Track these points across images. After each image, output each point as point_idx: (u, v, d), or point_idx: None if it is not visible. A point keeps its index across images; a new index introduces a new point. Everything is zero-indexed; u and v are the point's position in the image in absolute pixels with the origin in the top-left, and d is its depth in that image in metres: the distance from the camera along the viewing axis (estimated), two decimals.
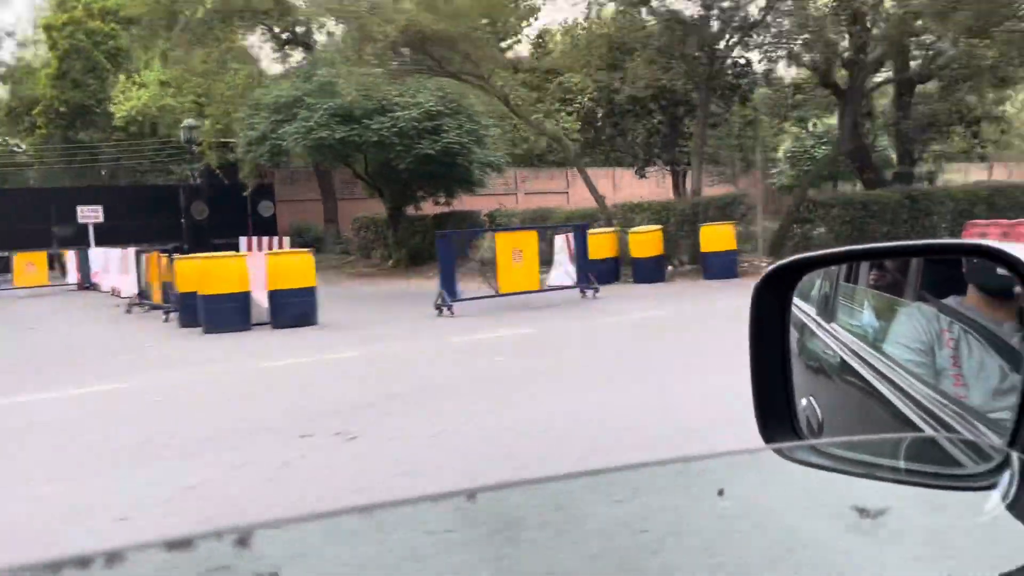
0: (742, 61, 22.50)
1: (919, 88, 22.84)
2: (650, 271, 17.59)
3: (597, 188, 20.81)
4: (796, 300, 1.56)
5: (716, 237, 17.69)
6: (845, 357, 1.68)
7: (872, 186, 22.10)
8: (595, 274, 15.75)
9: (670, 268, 18.59)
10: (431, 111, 20.98)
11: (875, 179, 22.40)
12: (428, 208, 25.37)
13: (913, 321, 1.48)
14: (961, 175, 31.53)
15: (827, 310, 1.81)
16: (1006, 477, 0.83)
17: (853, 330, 1.71)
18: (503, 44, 27.15)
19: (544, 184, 33.59)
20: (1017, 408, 0.93)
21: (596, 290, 15.22)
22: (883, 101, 25.40)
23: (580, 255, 15.78)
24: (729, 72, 21.63)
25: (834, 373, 1.73)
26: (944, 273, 1.40)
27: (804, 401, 1.53)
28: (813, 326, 1.79)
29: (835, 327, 1.77)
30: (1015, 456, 0.86)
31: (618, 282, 17.72)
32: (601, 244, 17.72)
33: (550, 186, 33.44)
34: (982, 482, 0.88)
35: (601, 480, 0.72)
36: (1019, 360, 1.11)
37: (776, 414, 1.39)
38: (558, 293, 14.97)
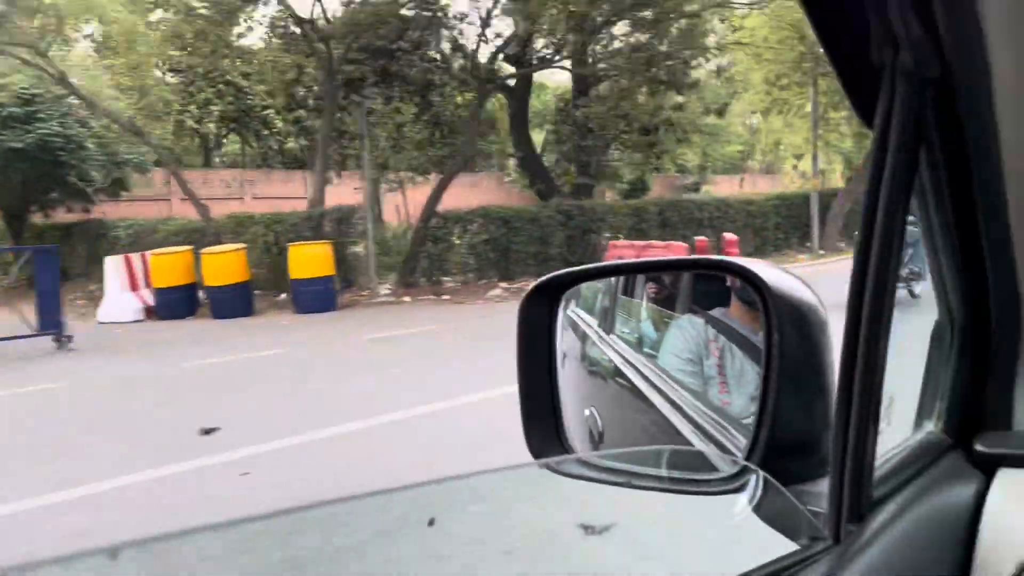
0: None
1: (595, 91, 21.21)
2: (231, 304, 14.82)
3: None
4: (580, 312, 1.74)
5: (308, 260, 15.22)
6: (622, 368, 1.75)
7: (544, 198, 20.48)
8: (161, 306, 13.28)
9: (280, 297, 16.23)
10: (24, 95, 17.86)
11: (545, 191, 20.67)
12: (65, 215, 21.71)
13: (684, 332, 1.56)
14: (717, 188, 32.38)
15: (607, 322, 1.87)
16: (752, 481, 0.93)
17: (630, 341, 1.79)
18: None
19: (279, 188, 29.12)
20: (756, 418, 1.02)
21: (69, 339, 11.78)
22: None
23: (47, 289, 11.82)
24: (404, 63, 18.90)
25: (614, 383, 1.80)
26: (716, 286, 1.47)
27: (587, 411, 1.63)
28: (595, 338, 1.86)
29: (614, 339, 1.83)
30: (751, 467, 0.96)
31: (193, 316, 15.30)
32: (168, 268, 15.17)
33: (285, 190, 28.78)
34: (731, 486, 0.99)
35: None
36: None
37: (543, 428, 1.41)
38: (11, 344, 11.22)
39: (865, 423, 0.87)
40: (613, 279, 1.86)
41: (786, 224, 25.00)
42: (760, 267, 1.08)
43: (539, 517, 1.04)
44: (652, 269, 1.79)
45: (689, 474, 1.11)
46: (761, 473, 0.94)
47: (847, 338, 0.88)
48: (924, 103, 0.84)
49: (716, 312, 1.47)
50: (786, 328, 1.00)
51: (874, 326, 0.86)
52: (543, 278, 1.46)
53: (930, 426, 1.14)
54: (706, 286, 1.53)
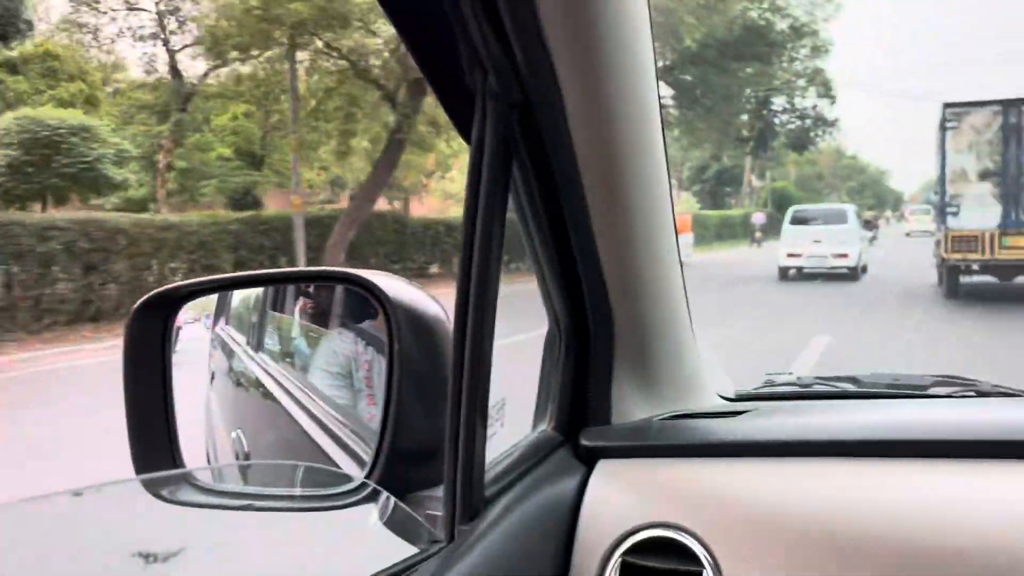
0: None
1: None
2: None
3: None
4: (230, 329, 1.70)
5: None
6: (269, 386, 1.72)
7: None
8: None
9: None
10: None
11: None
12: None
13: (334, 346, 1.55)
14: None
15: (256, 339, 1.82)
16: (374, 493, 0.99)
17: (280, 358, 1.76)
18: None
19: None
20: (380, 428, 1.04)
21: None
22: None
23: None
24: None
25: (261, 402, 1.77)
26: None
27: (234, 434, 1.62)
28: (244, 356, 1.81)
29: (264, 356, 1.79)
30: (368, 483, 1.01)
31: None
32: None
33: None
34: (353, 499, 1.02)
35: None
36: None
37: (155, 448, 1.35)
38: None
39: (473, 425, 0.93)
40: (260, 293, 1.84)
41: (268, 251, 18.90)
42: (380, 278, 1.11)
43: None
44: (271, 281, 1.77)
45: (318, 490, 1.13)
46: (374, 485, 0.98)
47: (455, 346, 0.93)
48: (511, 124, 0.93)
49: (366, 324, 1.47)
50: (408, 338, 1.04)
51: (478, 333, 0.92)
52: (151, 293, 1.43)
53: (543, 425, 1.25)
54: (358, 299, 1.55)
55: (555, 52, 0.88)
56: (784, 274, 19.24)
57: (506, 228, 0.94)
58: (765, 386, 1.55)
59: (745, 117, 49.84)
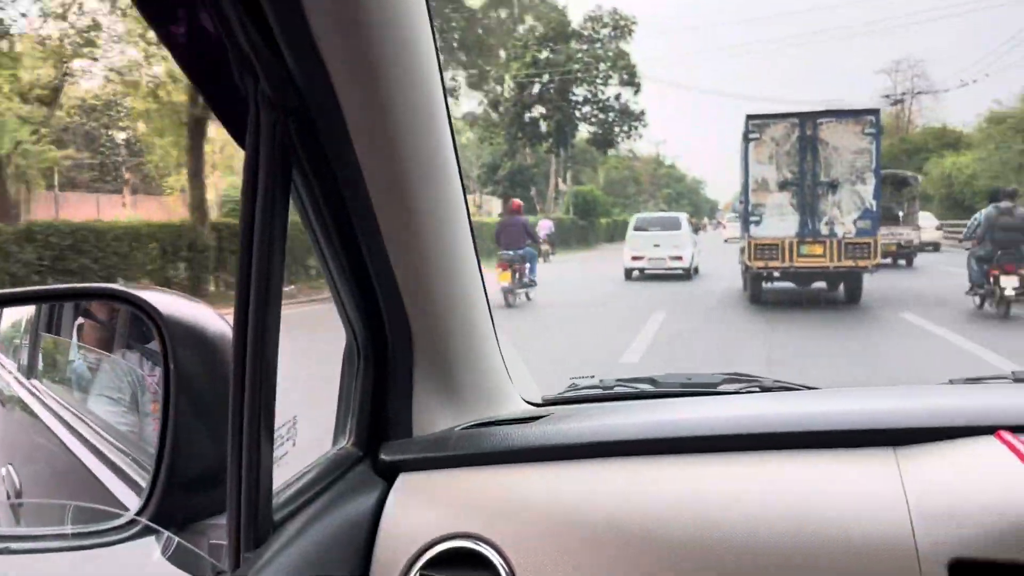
0: None
1: None
2: None
3: None
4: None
5: None
6: (43, 416, 1.61)
7: None
8: None
9: None
10: None
11: None
12: None
13: (116, 370, 1.49)
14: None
15: (28, 366, 1.72)
16: (150, 526, 0.96)
17: (55, 384, 1.67)
18: None
19: None
20: (156, 454, 1.00)
21: None
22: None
23: None
24: None
25: (34, 433, 1.66)
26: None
27: (3, 470, 1.51)
28: (12, 382, 1.70)
29: (36, 383, 1.69)
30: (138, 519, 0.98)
31: None
32: None
33: None
34: (127, 534, 0.99)
35: None
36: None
37: None
38: None
39: (257, 446, 0.89)
40: (32, 313, 1.73)
41: None
42: (151, 293, 1.06)
43: None
44: (28, 300, 1.63)
45: (91, 526, 1.06)
46: (145, 521, 0.95)
47: (236, 362, 0.90)
48: (288, 131, 0.90)
49: (153, 345, 1.41)
50: (186, 357, 1.00)
51: (259, 347, 0.89)
52: None
53: (343, 441, 1.22)
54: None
55: (328, 57, 0.87)
56: (629, 275, 21.57)
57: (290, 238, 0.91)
58: (569, 390, 1.60)
59: (542, 109, 46.75)
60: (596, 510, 1.08)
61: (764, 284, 14.69)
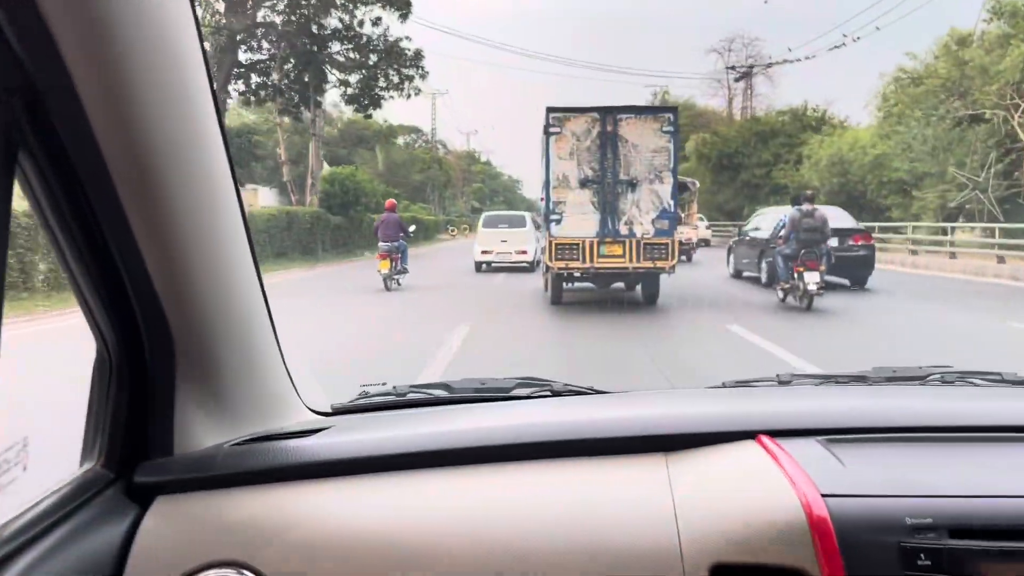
0: None
1: None
2: None
3: None
4: None
5: None
6: None
7: None
8: None
9: None
10: None
11: None
12: None
13: None
14: None
15: None
16: None
17: None
18: None
19: None
20: None
21: None
22: None
23: None
24: None
25: None
26: None
27: None
28: None
29: None
30: None
31: None
32: None
33: None
34: None
35: None
36: None
37: None
38: None
39: None
40: None
41: None
42: None
43: None
44: None
45: None
46: None
47: None
48: (14, 112, 0.80)
49: None
50: None
51: None
52: None
53: (91, 462, 1.11)
54: None
55: (57, 30, 0.77)
56: (479, 267, 24.26)
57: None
58: (360, 397, 1.57)
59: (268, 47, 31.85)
60: (369, 528, 1.06)
61: (566, 284, 14.88)
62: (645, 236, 13.77)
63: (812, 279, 13.32)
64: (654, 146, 13.84)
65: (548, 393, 1.56)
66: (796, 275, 13.71)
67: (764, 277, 18.17)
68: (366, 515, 1.08)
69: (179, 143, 0.95)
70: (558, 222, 13.89)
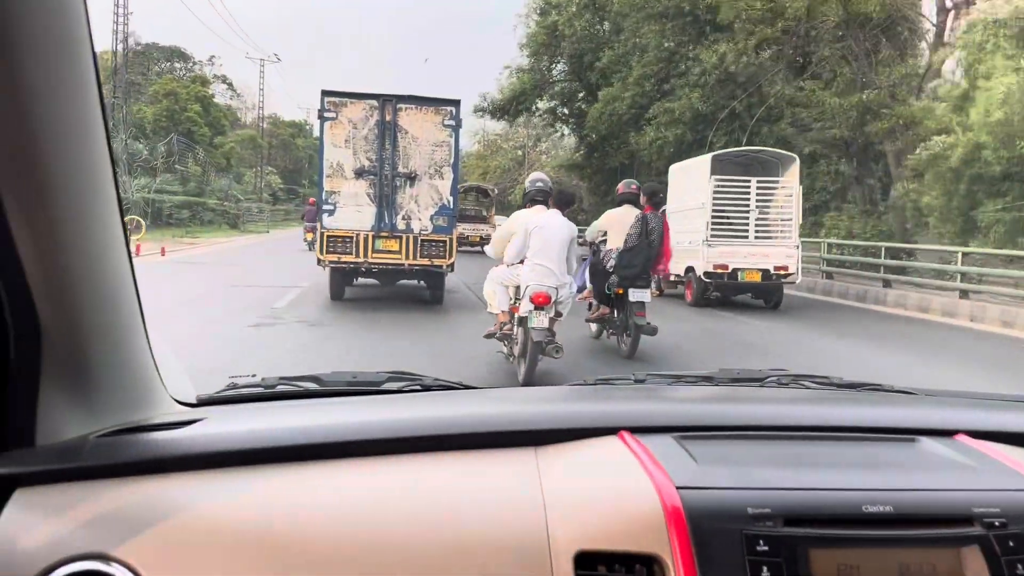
0: None
1: None
2: None
3: None
4: None
5: None
6: None
7: None
8: None
9: None
10: None
11: None
12: None
13: None
14: None
15: None
16: None
17: None
18: None
19: None
20: None
21: None
22: None
23: None
24: None
25: None
26: None
27: None
28: None
29: None
30: None
31: None
32: None
33: None
34: None
35: None
36: None
37: None
38: None
39: None
40: None
41: None
42: None
43: None
44: None
45: None
46: None
47: None
48: None
49: None
50: None
51: None
52: None
53: None
54: None
55: None
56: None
57: None
58: (228, 389, 1.61)
59: None
60: (241, 521, 1.11)
61: (355, 280, 14.70)
62: (423, 232, 13.77)
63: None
64: (435, 140, 13.84)
65: (419, 388, 1.65)
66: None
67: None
68: (238, 508, 1.13)
69: (54, 126, 0.96)
70: (331, 213, 13.65)
